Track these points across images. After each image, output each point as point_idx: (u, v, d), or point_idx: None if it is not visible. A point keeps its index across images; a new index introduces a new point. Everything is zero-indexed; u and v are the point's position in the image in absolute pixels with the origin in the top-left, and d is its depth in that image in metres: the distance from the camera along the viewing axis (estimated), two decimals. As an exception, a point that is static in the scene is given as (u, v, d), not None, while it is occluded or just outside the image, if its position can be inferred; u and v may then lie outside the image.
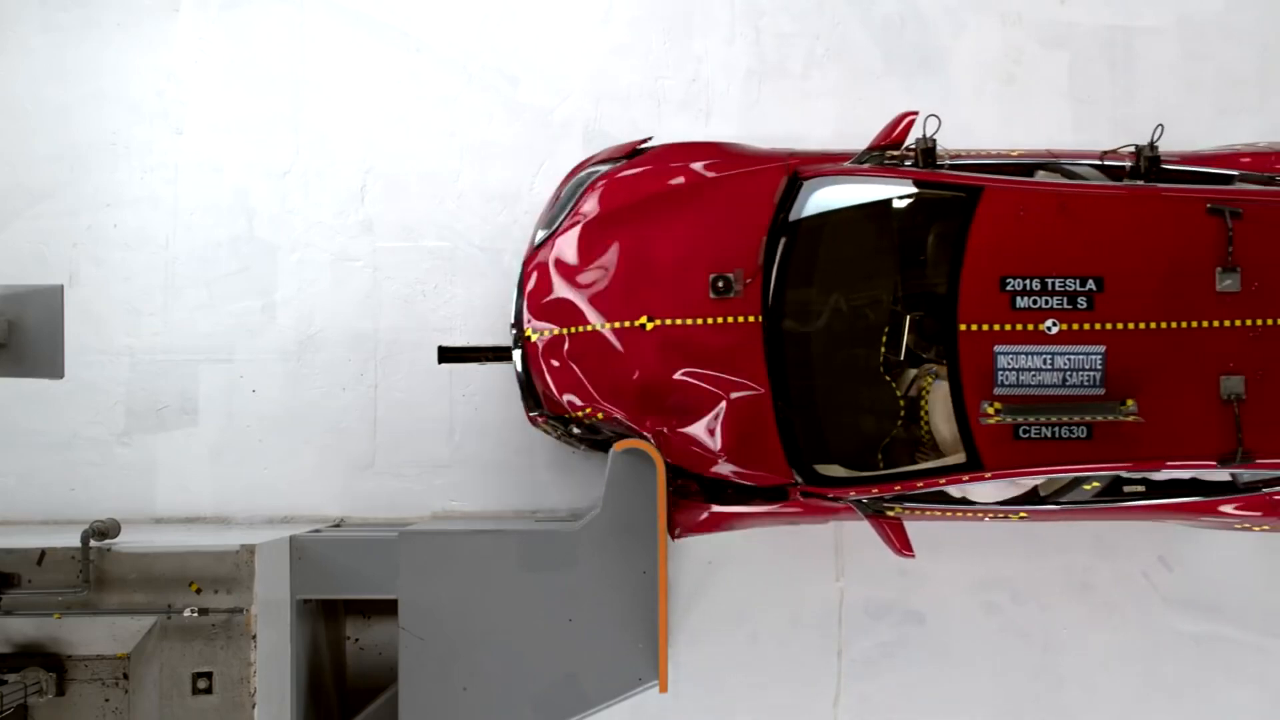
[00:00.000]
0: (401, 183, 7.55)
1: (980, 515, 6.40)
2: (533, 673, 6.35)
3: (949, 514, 6.40)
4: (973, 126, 7.44)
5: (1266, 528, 6.41)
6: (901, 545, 6.34)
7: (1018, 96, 7.60)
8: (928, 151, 6.31)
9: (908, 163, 6.37)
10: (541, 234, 6.70)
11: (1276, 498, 6.16)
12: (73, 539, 6.12)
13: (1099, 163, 6.35)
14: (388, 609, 7.15)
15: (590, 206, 6.57)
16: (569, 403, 6.48)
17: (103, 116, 7.61)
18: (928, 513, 6.38)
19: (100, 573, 6.09)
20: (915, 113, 6.38)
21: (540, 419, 6.74)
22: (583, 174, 6.76)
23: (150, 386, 7.52)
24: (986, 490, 6.21)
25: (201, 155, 7.60)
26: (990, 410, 5.85)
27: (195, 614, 6.06)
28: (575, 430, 6.68)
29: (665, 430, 6.34)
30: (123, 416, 7.52)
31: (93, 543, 6.06)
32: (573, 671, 6.35)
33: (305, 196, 7.59)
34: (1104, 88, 7.60)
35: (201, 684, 6.07)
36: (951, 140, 6.69)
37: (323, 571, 6.53)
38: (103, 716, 6.05)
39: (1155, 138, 6.21)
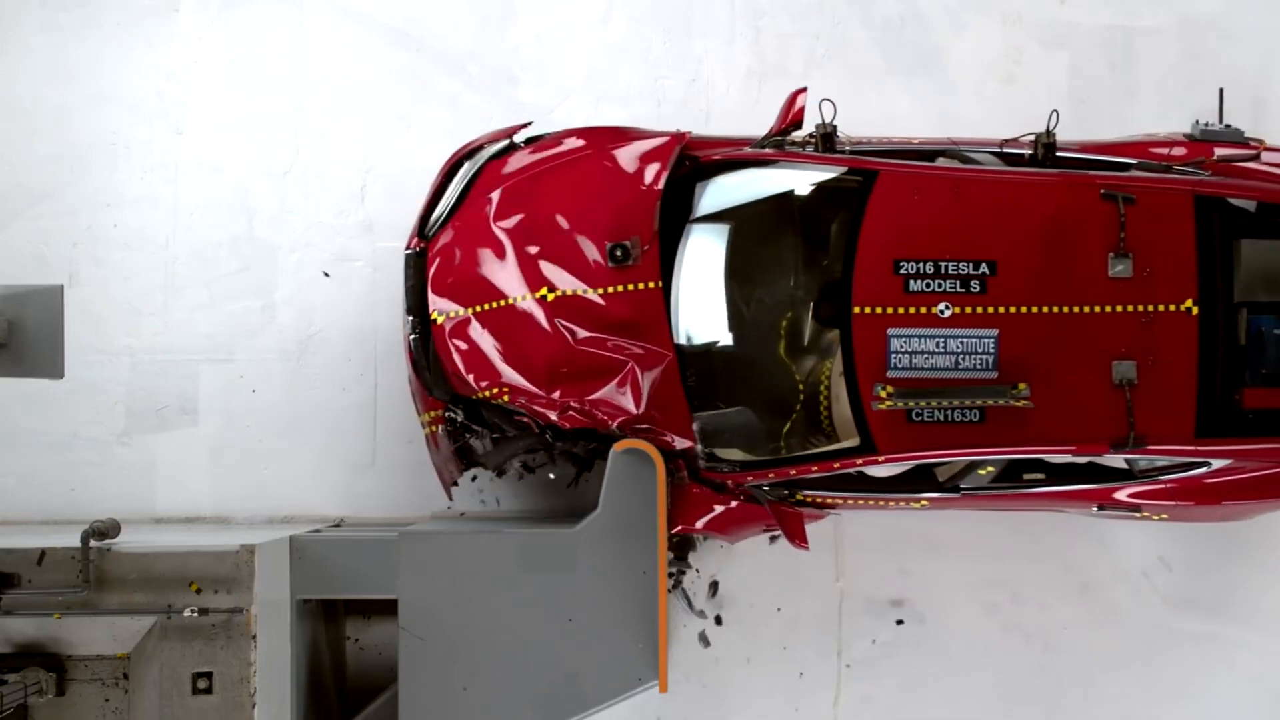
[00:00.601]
0: (401, 183, 7.55)
1: (884, 504, 6.42)
2: (533, 673, 6.35)
3: (853, 502, 6.41)
4: (974, 125, 7.44)
5: (1165, 515, 6.41)
6: (799, 538, 6.29)
7: (1017, 96, 7.60)
8: (827, 137, 6.33)
9: (808, 148, 6.38)
10: (433, 221, 6.68)
11: (1171, 485, 6.16)
12: (73, 539, 6.11)
13: (999, 150, 6.36)
14: (388, 609, 7.15)
15: (487, 188, 6.60)
16: (476, 381, 6.44)
17: (103, 116, 7.61)
18: (829, 500, 6.39)
19: (100, 573, 6.09)
20: (805, 89, 6.39)
21: (435, 435, 6.74)
22: (472, 157, 6.75)
23: (150, 386, 7.52)
24: (880, 469, 6.22)
25: (201, 155, 7.60)
26: (882, 394, 5.87)
27: (195, 614, 6.06)
28: (473, 428, 6.66)
29: (573, 402, 6.34)
30: (123, 416, 7.52)
31: (93, 543, 6.06)
32: (573, 671, 6.35)
33: (305, 196, 7.59)
34: (1104, 88, 7.60)
35: (201, 684, 6.07)
36: (953, 132, 6.70)
37: (323, 571, 6.52)
38: (103, 716, 6.05)
39: (1051, 125, 6.21)
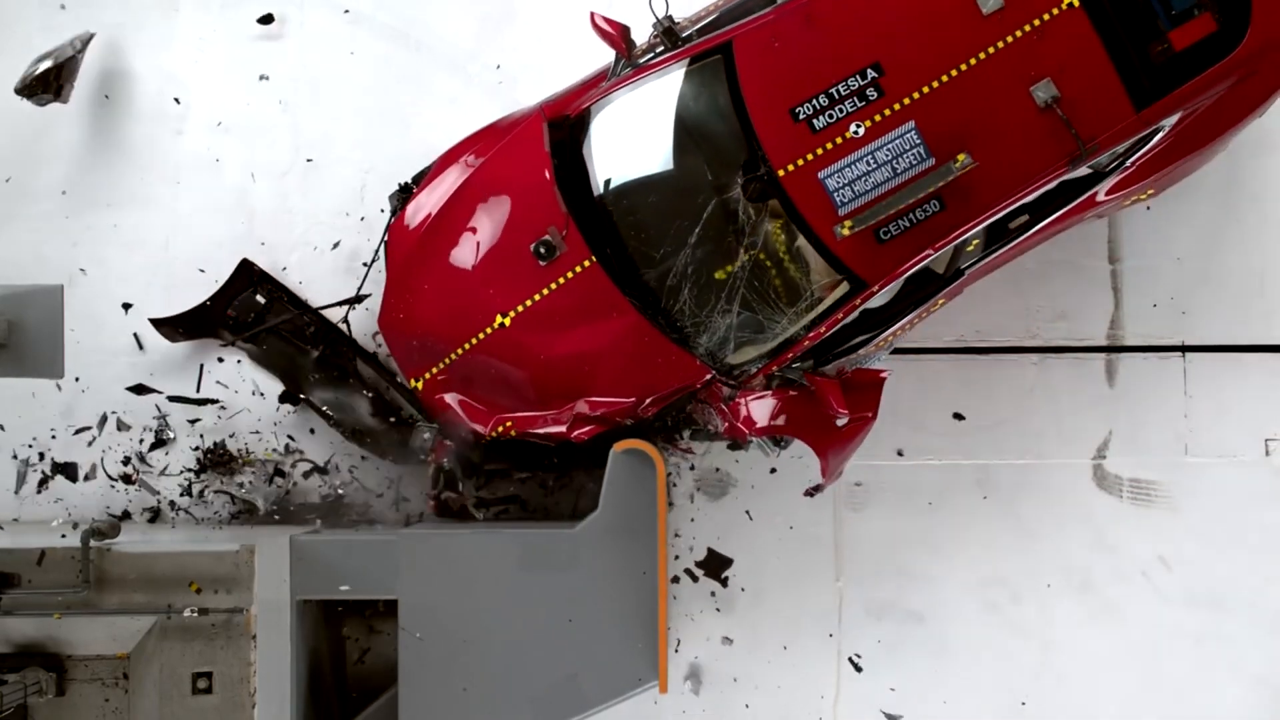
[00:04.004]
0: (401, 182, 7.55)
1: (907, 328, 6.44)
2: (533, 673, 6.36)
3: (880, 345, 6.41)
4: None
5: (1151, 192, 6.46)
6: (839, 404, 6.17)
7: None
8: (668, 31, 6.27)
9: (659, 49, 6.34)
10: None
11: (1140, 163, 6.18)
12: (73, 539, 6.12)
13: None
14: (388, 609, 7.16)
15: (402, 246, 6.66)
16: (480, 426, 6.53)
17: (102, 116, 7.61)
18: (861, 353, 6.38)
19: (100, 573, 6.10)
20: (593, 12, 6.32)
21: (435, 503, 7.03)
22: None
23: (150, 386, 7.51)
24: (878, 299, 6.21)
25: (201, 155, 7.59)
26: (844, 231, 5.84)
27: (195, 614, 6.07)
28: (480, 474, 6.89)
29: (574, 410, 6.35)
30: (122, 417, 7.51)
31: (93, 543, 6.06)
32: (573, 671, 6.36)
33: (305, 196, 7.58)
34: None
35: (201, 684, 6.09)
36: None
37: (323, 571, 6.53)
38: (103, 716, 6.06)
39: None
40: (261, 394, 7.40)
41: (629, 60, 6.37)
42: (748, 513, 7.42)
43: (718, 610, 7.44)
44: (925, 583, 7.43)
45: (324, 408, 7.21)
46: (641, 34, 6.47)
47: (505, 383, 6.47)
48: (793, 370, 6.25)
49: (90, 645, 6.08)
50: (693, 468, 7.44)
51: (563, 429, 6.41)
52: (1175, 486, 7.40)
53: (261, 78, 7.62)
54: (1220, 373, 7.42)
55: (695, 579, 7.44)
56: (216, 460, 7.39)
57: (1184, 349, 7.44)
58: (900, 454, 7.44)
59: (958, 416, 7.42)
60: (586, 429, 6.41)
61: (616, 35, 6.31)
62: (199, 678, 6.09)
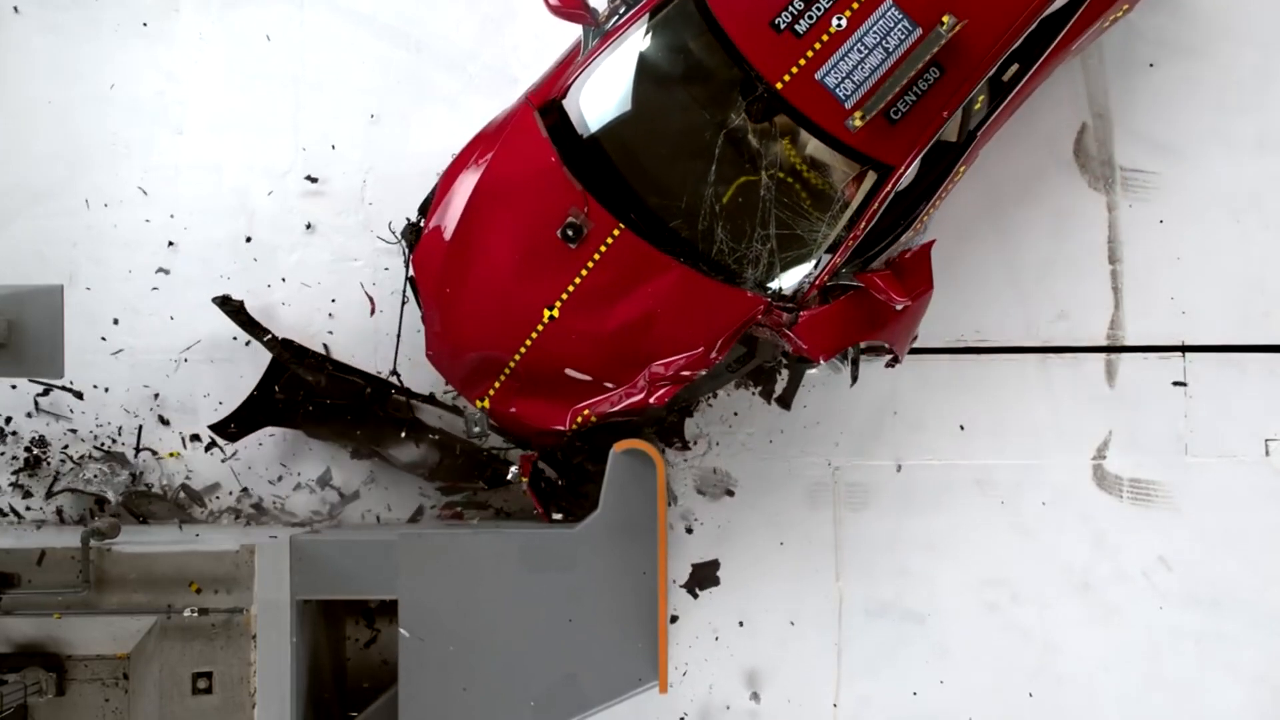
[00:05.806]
0: (401, 183, 7.55)
1: (937, 204, 6.47)
2: (533, 673, 6.36)
3: (917, 228, 6.44)
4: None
5: (1126, 7, 6.64)
6: (895, 293, 6.17)
7: (1018, 96, 7.59)
8: None
9: (623, 10, 6.35)
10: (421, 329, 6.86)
11: None
12: (73, 539, 6.12)
13: None
14: (388, 609, 7.16)
15: (430, 271, 6.63)
16: (560, 424, 6.50)
17: (103, 116, 7.61)
18: (901, 241, 6.40)
19: (100, 573, 6.10)
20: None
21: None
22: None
23: (150, 386, 7.51)
24: (907, 176, 6.23)
25: (201, 155, 7.60)
26: (857, 121, 5.87)
27: (195, 614, 6.07)
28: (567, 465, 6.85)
29: (650, 373, 6.34)
30: (121, 416, 7.51)
31: (92, 543, 6.06)
32: (573, 671, 6.36)
33: (305, 196, 7.58)
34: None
35: (201, 684, 6.09)
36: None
37: (323, 571, 6.53)
38: (103, 716, 6.07)
39: None
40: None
41: (597, 28, 6.39)
42: (730, 491, 7.42)
43: (717, 638, 7.45)
44: (925, 583, 7.43)
45: (399, 460, 7.23)
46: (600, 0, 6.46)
47: (568, 377, 6.44)
48: (844, 277, 6.28)
49: (90, 645, 6.08)
50: (704, 450, 7.45)
51: (641, 397, 6.38)
52: (1175, 486, 7.41)
53: (262, 78, 7.63)
54: (1220, 373, 7.43)
55: (695, 595, 7.44)
56: (37, 460, 7.39)
57: (1184, 349, 7.45)
58: (899, 457, 7.46)
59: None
60: (664, 390, 6.38)
61: (576, 7, 6.33)
62: (199, 678, 6.09)
